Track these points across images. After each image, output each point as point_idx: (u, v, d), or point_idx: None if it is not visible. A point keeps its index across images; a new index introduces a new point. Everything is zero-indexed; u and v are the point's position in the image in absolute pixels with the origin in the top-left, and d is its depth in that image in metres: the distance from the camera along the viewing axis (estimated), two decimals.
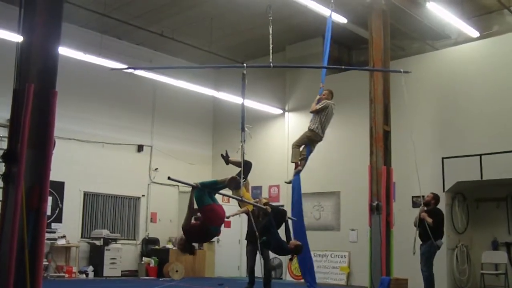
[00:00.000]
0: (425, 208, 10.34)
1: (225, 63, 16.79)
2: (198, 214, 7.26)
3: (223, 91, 15.98)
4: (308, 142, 10.47)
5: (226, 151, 9.38)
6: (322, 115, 10.34)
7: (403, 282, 10.34)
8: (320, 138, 10.47)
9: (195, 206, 7.06)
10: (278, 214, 8.75)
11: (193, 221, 7.35)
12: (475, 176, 12.55)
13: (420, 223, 10.20)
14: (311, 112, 10.51)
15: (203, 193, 6.82)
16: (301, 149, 10.51)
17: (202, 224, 6.81)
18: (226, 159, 9.29)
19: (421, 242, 10.26)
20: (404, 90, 10.58)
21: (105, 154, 15.68)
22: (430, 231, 9.94)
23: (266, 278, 10.73)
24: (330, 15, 11.01)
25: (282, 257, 15.85)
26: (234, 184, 7.36)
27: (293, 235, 9.99)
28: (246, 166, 8.79)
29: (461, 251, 13.16)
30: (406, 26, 13.94)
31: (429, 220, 10.06)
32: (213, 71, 18.60)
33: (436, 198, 10.52)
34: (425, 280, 10.14)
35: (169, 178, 6.86)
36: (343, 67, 12.26)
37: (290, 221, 9.13)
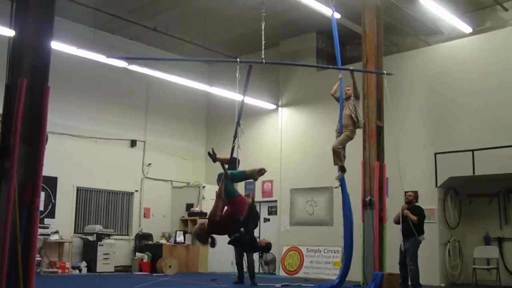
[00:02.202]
0: (407, 206, 10.60)
1: (218, 58, 16.76)
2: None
3: (217, 86, 15.96)
4: (347, 142, 10.32)
5: (212, 149, 9.27)
6: (358, 109, 10.18)
7: (396, 277, 10.40)
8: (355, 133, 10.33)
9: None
10: (254, 211, 8.74)
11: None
12: (468, 171, 12.60)
13: (403, 220, 10.42)
14: (349, 97, 10.22)
15: (231, 183, 6.80)
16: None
17: (231, 214, 6.76)
18: (213, 157, 9.16)
19: (402, 238, 10.47)
20: (387, 91, 10.70)
21: (98, 149, 15.64)
22: (414, 228, 10.21)
23: (250, 272, 11.68)
24: (333, 14, 10.93)
25: (276, 252, 15.90)
26: (260, 175, 7.37)
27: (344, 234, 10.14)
28: (234, 163, 8.77)
29: (453, 246, 13.23)
30: (400, 21, 13.96)
31: (414, 217, 10.35)
32: (207, 67, 18.58)
33: (416, 196, 10.89)
34: (413, 275, 10.32)
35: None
36: (331, 66, 12.08)
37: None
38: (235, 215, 6.79)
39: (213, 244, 6.97)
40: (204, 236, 6.86)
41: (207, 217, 16.21)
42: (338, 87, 10.24)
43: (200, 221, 15.92)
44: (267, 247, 8.32)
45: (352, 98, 10.07)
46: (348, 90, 10.18)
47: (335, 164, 10.06)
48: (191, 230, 7.11)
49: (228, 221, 6.78)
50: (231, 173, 6.87)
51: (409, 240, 10.35)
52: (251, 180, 9.27)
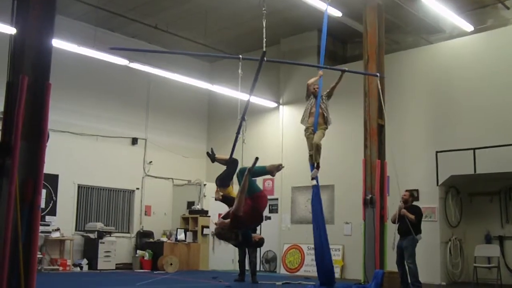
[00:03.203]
0: (404, 205, 10.59)
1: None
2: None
3: (218, 84, 15.96)
4: None
5: (211, 148, 9.24)
6: (328, 108, 10.18)
7: (397, 275, 10.39)
8: None
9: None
10: None
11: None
12: (469, 170, 12.60)
13: (400, 220, 10.44)
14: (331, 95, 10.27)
15: (253, 179, 6.83)
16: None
17: (254, 209, 6.83)
18: (212, 157, 9.11)
19: (399, 237, 10.48)
20: (380, 93, 10.70)
21: (100, 147, 15.65)
22: (411, 227, 10.23)
23: (252, 269, 11.85)
24: (326, 10, 10.92)
25: (277, 250, 15.92)
26: (278, 171, 7.43)
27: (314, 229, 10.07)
28: (233, 164, 8.74)
29: (454, 245, 13.24)
30: (401, 20, 13.95)
31: (412, 216, 10.34)
32: (208, 65, 18.58)
33: (412, 195, 10.99)
34: (413, 273, 10.30)
35: (257, 158, 6.82)
36: (328, 66, 11.75)
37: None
38: (257, 210, 6.88)
39: (238, 239, 7.06)
40: (229, 233, 6.92)
41: (207, 215, 16.28)
42: (316, 81, 10.19)
43: (202, 219, 16.07)
44: (259, 242, 8.37)
45: (324, 97, 10.08)
46: (317, 88, 10.11)
47: (315, 160, 9.95)
48: (214, 231, 7.11)
49: (252, 216, 6.86)
50: (242, 169, 6.93)
51: (406, 239, 10.35)
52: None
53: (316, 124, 9.95)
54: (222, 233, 6.96)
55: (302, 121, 10.22)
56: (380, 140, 11.53)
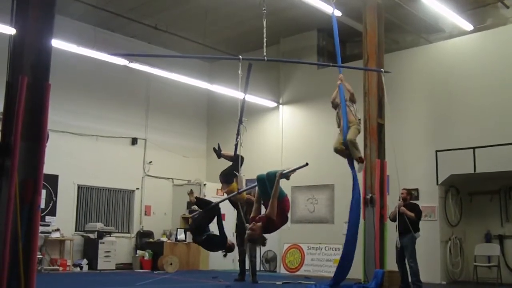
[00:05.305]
0: (403, 203, 10.56)
1: (220, 55, 16.74)
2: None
3: (218, 84, 15.96)
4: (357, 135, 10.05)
5: (218, 144, 9.29)
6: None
7: (397, 274, 10.40)
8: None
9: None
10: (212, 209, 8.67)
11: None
12: (469, 169, 12.60)
13: (399, 217, 10.40)
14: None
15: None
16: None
17: (281, 212, 7.00)
18: (218, 153, 9.16)
19: (398, 236, 10.41)
20: (385, 88, 10.66)
21: (99, 147, 15.65)
22: (410, 225, 10.21)
23: (252, 269, 11.80)
24: (333, 12, 10.84)
25: (277, 250, 15.91)
26: (292, 173, 7.54)
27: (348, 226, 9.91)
28: (237, 160, 8.77)
29: (454, 244, 13.24)
30: (400, 19, 13.95)
31: (411, 214, 10.33)
32: (207, 64, 18.58)
33: (410, 193, 10.94)
34: (414, 272, 10.27)
35: (307, 164, 6.92)
36: (331, 64, 11.71)
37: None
38: (284, 212, 7.07)
39: (265, 243, 7.15)
40: (259, 236, 7.01)
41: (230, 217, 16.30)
42: (337, 94, 10.12)
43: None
44: (230, 248, 8.46)
45: (348, 103, 10.01)
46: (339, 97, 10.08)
47: (354, 156, 9.70)
48: (249, 236, 7.11)
49: (281, 219, 7.02)
50: (271, 173, 7.05)
51: (406, 237, 10.32)
52: (253, 178, 9.27)
53: (345, 129, 9.75)
54: (258, 238, 7.07)
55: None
56: (380, 139, 11.54)
